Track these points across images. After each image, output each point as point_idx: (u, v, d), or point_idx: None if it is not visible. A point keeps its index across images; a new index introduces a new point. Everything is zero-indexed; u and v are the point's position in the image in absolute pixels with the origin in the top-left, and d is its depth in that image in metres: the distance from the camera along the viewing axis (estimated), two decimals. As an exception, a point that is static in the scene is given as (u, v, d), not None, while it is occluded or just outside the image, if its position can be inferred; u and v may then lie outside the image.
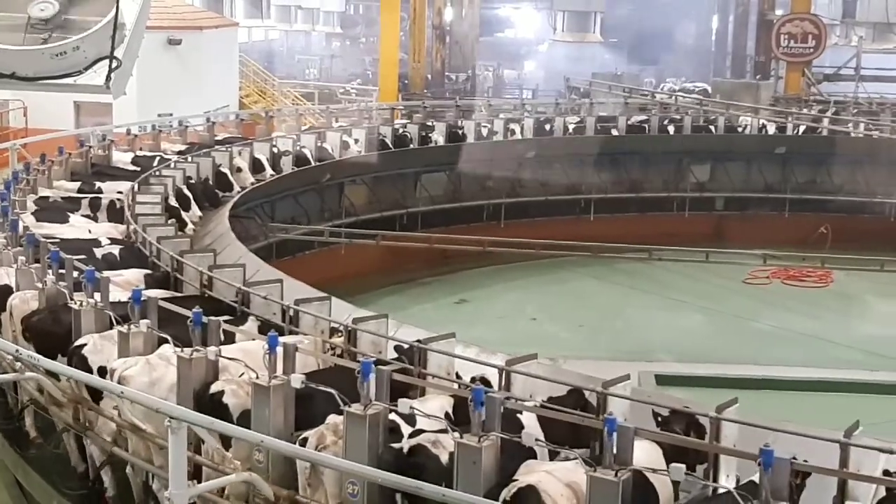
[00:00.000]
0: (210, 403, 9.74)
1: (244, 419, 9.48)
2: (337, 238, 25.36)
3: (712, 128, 33.09)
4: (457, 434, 8.43)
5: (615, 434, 7.74)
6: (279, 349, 9.47)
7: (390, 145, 28.29)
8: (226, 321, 11.05)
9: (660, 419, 9.05)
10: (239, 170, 22.76)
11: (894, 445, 8.06)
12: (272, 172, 24.04)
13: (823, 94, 41.73)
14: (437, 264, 27.52)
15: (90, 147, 22.23)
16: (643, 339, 22.94)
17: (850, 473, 7.91)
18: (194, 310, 10.36)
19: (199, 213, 20.02)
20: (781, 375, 19.47)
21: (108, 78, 13.67)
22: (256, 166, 23.59)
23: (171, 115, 27.90)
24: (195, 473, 9.52)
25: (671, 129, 32.72)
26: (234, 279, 12.99)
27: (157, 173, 20.15)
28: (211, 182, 21.69)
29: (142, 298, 11.02)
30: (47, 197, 18.67)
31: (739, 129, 33.70)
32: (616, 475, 7.67)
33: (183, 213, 19.07)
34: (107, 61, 11.45)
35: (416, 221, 28.21)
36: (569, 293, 26.67)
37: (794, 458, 7.51)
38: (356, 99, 42.42)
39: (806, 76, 42.01)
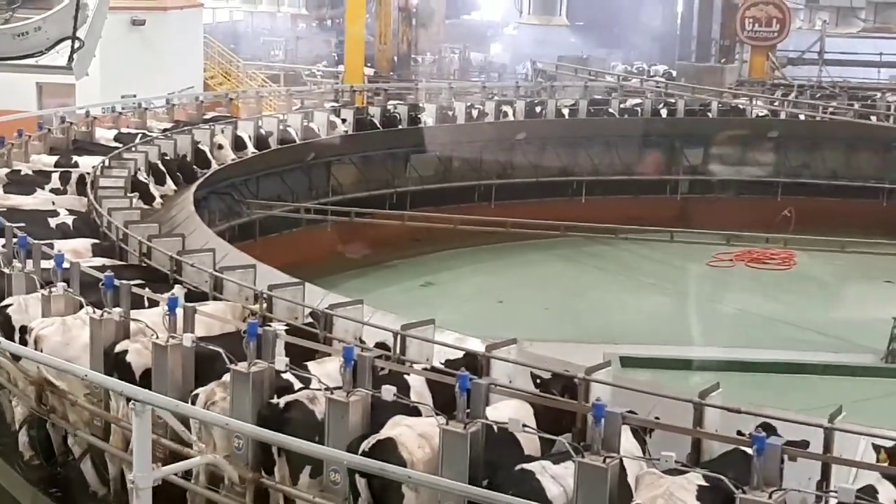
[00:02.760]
0: (114, 362, 10.30)
1: (146, 378, 10.02)
2: (308, 216, 25.58)
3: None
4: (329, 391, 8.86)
5: (466, 391, 8.23)
6: (179, 311, 9.98)
7: (378, 125, 28.51)
8: (138, 286, 11.54)
9: (538, 381, 9.48)
10: (220, 147, 23.13)
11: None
12: (254, 150, 24.35)
13: (787, 77, 41.99)
14: (405, 246, 27.51)
15: (71, 123, 22.52)
16: (608, 321, 23.07)
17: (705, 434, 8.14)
18: (105, 273, 10.93)
19: (173, 187, 20.35)
20: (744, 357, 19.66)
21: (70, 58, 13.53)
22: (239, 144, 23.89)
23: (134, 96, 27.63)
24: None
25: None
26: (171, 249, 13.40)
27: (133, 149, 20.48)
28: (189, 158, 21.98)
29: (64, 265, 11.65)
30: (19, 170, 19.00)
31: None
32: (464, 428, 8.16)
33: (152, 188, 19.33)
34: (69, 42, 11.31)
35: (406, 201, 28.32)
36: (535, 276, 26.74)
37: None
38: (322, 81, 42.19)
39: (770, 60, 42.25)
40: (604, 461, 7.66)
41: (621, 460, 7.78)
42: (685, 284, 26.14)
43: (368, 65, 40.45)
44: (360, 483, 8.40)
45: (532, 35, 55.09)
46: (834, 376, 19.23)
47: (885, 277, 25.78)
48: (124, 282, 10.83)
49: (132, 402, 8.13)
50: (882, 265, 25.41)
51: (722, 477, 7.48)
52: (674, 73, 43.74)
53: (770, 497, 7.26)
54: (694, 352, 19.63)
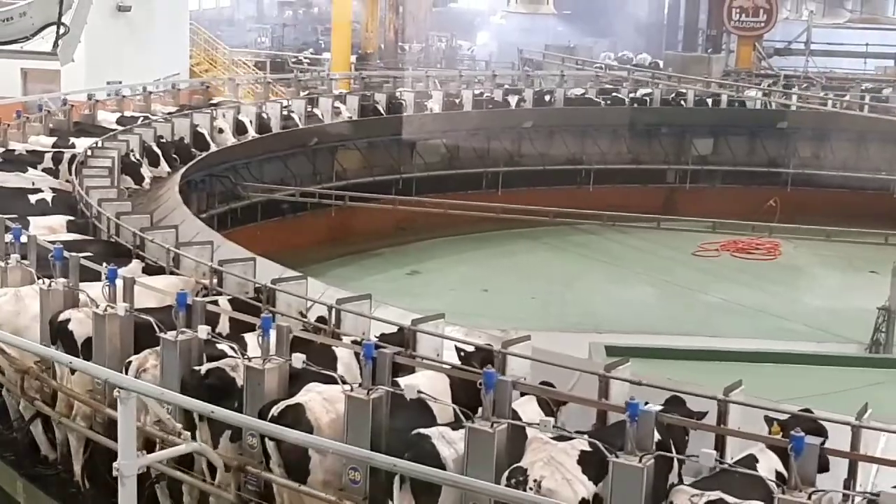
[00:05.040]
0: (57, 330, 10.79)
1: (87, 346, 10.51)
2: (302, 199, 25.87)
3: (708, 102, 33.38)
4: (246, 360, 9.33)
5: (371, 359, 8.70)
6: (118, 282, 10.52)
7: (383, 112, 28.74)
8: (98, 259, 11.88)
9: (462, 354, 9.98)
10: (221, 131, 23.63)
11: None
12: (255, 135, 24.75)
13: (774, 67, 42.02)
14: (390, 235, 27.51)
15: (72, 105, 23.11)
16: (594, 310, 23.11)
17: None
18: (55, 246, 11.54)
19: (167, 169, 20.73)
20: (729, 347, 19.68)
21: (55, 44, 13.46)
22: (240, 129, 24.34)
23: (120, 82, 27.52)
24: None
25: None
26: (136, 226, 13.77)
27: (131, 131, 20.94)
28: (187, 141, 22.39)
29: (22, 239, 12.26)
30: (13, 150, 19.48)
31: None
32: (367, 394, 8.57)
33: (144, 169, 19.76)
34: (54, 27, 11.24)
35: (412, 187, 28.55)
36: (521, 265, 26.75)
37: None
38: (308, 68, 42.06)
39: (757, 50, 42.27)
40: (491, 426, 8.06)
41: (515, 427, 8.20)
42: (671, 274, 26.18)
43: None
44: (270, 446, 8.79)
45: (519, 23, 55.04)
46: (818, 366, 19.26)
47: (869, 267, 25.83)
48: (73, 254, 11.25)
49: (117, 389, 8.09)
50: (867, 255, 25.48)
51: (598, 443, 7.83)
52: (660, 63, 43.73)
53: (640, 461, 7.63)
54: (679, 341, 19.64)
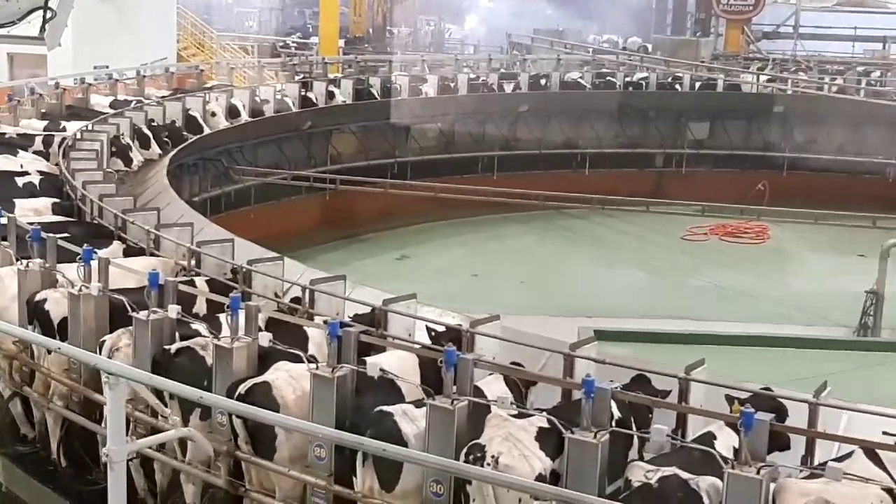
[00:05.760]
0: (34, 310, 10.94)
1: (63, 326, 10.65)
2: (293, 182, 25.93)
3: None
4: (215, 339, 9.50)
5: (336, 338, 8.80)
6: (94, 263, 10.62)
7: (377, 95, 28.81)
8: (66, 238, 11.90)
9: (433, 334, 10.16)
10: (213, 114, 23.74)
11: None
12: (248, 118, 24.82)
13: (762, 51, 42.05)
14: (379, 220, 27.49)
15: (65, 89, 23.20)
16: (583, 294, 23.08)
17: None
18: (32, 227, 11.68)
19: (158, 151, 20.83)
20: (718, 331, 19.72)
21: (42, 29, 13.41)
22: (233, 112, 24.44)
23: (107, 67, 27.42)
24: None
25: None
26: (119, 208, 13.91)
27: (122, 115, 21.03)
28: (179, 125, 22.47)
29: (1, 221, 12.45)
30: (3, 134, 19.57)
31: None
32: (332, 372, 8.69)
33: (133, 152, 19.87)
34: (41, 12, 11.18)
35: (406, 171, 28.56)
36: (511, 249, 26.74)
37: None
38: (296, 53, 41.93)
39: (745, 34, 42.29)
40: (451, 403, 8.22)
41: (479, 405, 8.35)
42: (660, 258, 26.21)
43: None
44: (237, 423, 8.94)
45: (508, 7, 54.93)
46: (807, 349, 19.31)
47: (857, 251, 25.90)
48: (50, 235, 11.39)
49: (105, 375, 8.09)
50: (855, 239, 25.54)
51: (555, 419, 8.02)
52: (648, 47, 43.71)
53: (595, 437, 7.79)
54: (668, 325, 19.67)
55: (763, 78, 34.24)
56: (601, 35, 49.52)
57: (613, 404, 8.20)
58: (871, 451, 7.78)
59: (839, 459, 7.80)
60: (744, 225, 28.36)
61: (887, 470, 7.72)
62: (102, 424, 10.12)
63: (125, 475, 7.97)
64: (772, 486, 7.40)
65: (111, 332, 10.29)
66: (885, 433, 8.02)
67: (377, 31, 45.77)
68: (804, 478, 7.52)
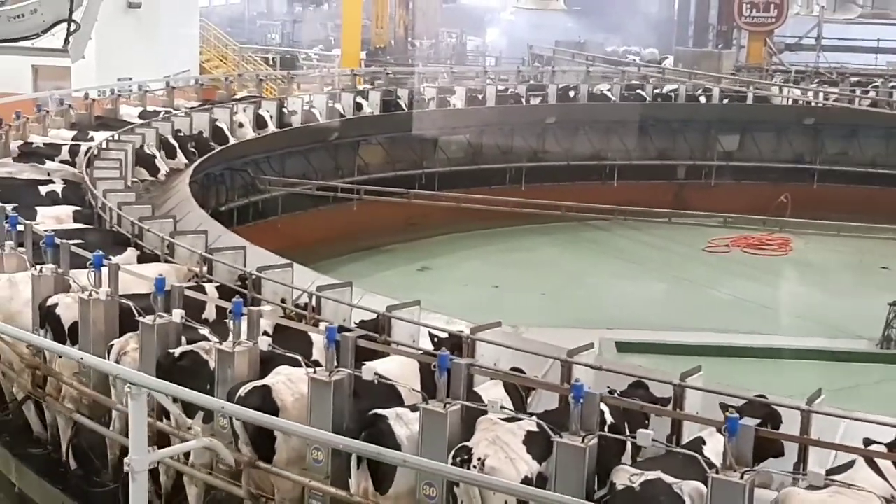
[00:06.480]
0: (45, 314, 11.15)
1: (74, 330, 10.86)
2: (318, 192, 25.97)
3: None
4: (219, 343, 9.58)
5: (333, 343, 8.92)
6: (104, 269, 10.82)
7: (404, 107, 28.93)
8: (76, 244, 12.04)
9: (436, 340, 10.37)
10: (241, 125, 23.92)
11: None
12: (274, 129, 25.04)
13: (785, 63, 41.92)
14: (401, 231, 27.52)
15: (94, 100, 23.50)
16: (604, 306, 23.05)
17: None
18: (46, 234, 11.93)
19: (185, 161, 21.07)
20: (740, 343, 19.67)
21: (66, 41, 13.53)
22: (260, 123, 24.66)
23: (130, 79, 27.60)
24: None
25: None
26: (136, 216, 14.21)
27: (149, 125, 21.36)
28: (206, 135, 22.70)
29: (18, 228, 12.72)
30: (31, 143, 19.93)
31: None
32: (329, 376, 8.82)
33: (159, 161, 20.12)
34: (65, 24, 11.29)
35: (434, 182, 28.58)
36: (532, 261, 26.71)
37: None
38: (318, 65, 42.08)
39: (768, 46, 42.16)
40: (444, 407, 8.33)
41: (474, 409, 8.43)
42: (682, 270, 26.14)
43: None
44: (237, 426, 9.07)
45: (529, 19, 55.00)
46: (829, 362, 19.23)
47: (881, 263, 25.77)
48: (64, 241, 11.60)
49: (128, 385, 8.11)
50: (878, 251, 25.41)
51: (544, 423, 8.09)
52: (668, 59, 43.69)
53: (583, 441, 7.85)
54: (689, 337, 19.62)
55: (796, 91, 34.08)
56: (629, 47, 49.51)
57: (606, 410, 8.32)
58: (872, 460, 7.83)
59: (840, 469, 7.83)
60: (766, 237, 28.26)
61: (888, 480, 7.74)
62: (111, 427, 10.51)
63: (147, 485, 8.00)
64: (775, 495, 7.50)
65: (120, 335, 10.47)
66: (866, 440, 8.08)
67: (399, 43, 45.87)
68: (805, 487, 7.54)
